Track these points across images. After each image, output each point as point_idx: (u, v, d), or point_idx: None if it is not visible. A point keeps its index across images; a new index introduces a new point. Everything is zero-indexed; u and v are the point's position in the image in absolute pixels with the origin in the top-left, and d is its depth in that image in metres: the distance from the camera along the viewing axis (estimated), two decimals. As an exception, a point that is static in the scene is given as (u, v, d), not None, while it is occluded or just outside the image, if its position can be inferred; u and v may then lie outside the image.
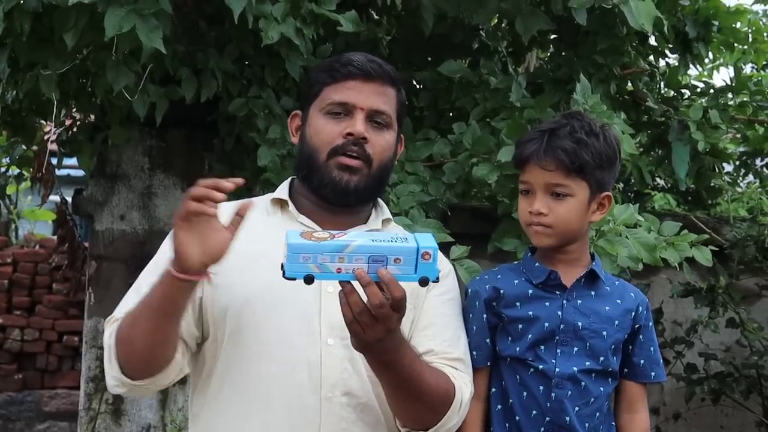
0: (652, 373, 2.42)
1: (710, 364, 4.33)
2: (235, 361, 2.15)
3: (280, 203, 2.32)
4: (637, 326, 2.40)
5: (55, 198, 5.28)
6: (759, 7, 6.03)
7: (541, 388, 2.31)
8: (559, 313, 2.33)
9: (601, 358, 2.33)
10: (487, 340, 2.35)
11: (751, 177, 5.54)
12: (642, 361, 2.41)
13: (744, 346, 4.33)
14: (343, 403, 2.15)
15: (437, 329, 2.25)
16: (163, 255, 2.19)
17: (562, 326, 2.32)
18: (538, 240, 2.35)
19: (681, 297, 4.17)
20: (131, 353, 2.08)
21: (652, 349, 2.42)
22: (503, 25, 4.56)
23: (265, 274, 2.08)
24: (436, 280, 1.86)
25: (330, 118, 2.23)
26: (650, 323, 2.44)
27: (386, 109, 2.26)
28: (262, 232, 2.18)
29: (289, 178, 2.40)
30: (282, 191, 2.34)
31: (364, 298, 1.82)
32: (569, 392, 2.30)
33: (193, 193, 1.87)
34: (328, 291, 2.14)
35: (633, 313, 2.39)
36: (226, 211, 2.08)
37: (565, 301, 2.34)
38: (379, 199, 2.41)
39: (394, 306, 1.83)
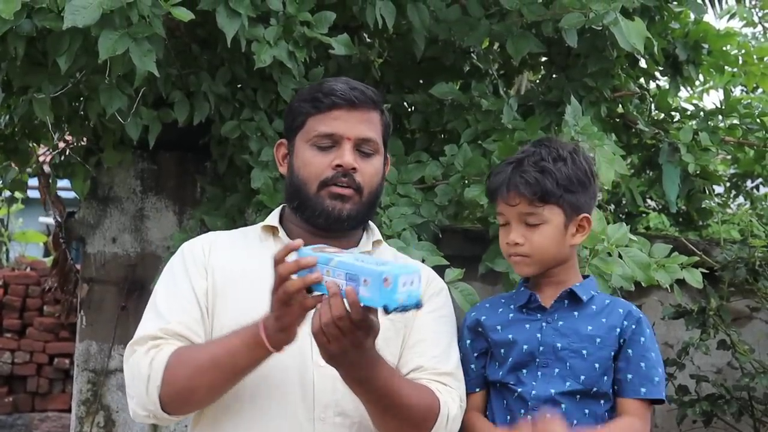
0: (642, 390, 2.32)
1: (701, 386, 4.32)
2: None
3: (272, 230, 2.34)
4: (622, 341, 2.35)
5: (46, 220, 5.28)
6: (749, 30, 6.08)
7: (522, 411, 2.30)
8: (538, 335, 2.34)
9: (582, 377, 2.30)
10: (473, 366, 2.37)
11: (741, 199, 5.57)
12: (629, 376, 2.33)
13: (735, 368, 4.32)
14: (336, 423, 2.16)
15: (426, 346, 2.26)
16: (182, 274, 2.24)
17: (541, 348, 2.32)
18: (519, 270, 2.39)
19: (672, 319, 4.17)
20: (189, 400, 2.08)
21: (643, 365, 2.34)
22: (494, 47, 4.57)
23: (258, 299, 2.09)
24: (400, 309, 1.81)
25: (317, 150, 2.25)
26: (642, 338, 2.37)
27: (372, 136, 2.28)
28: (256, 258, 2.19)
29: (280, 206, 2.42)
30: (273, 218, 2.36)
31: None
32: (548, 415, 2.26)
33: (284, 271, 1.88)
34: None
35: (618, 329, 2.35)
36: (218, 239, 2.17)
37: (544, 323, 2.34)
38: (370, 222, 2.42)
39: (356, 323, 1.83)
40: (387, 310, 1.78)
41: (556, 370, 2.31)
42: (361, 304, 1.79)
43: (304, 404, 2.14)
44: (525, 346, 2.32)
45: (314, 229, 2.27)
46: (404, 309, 1.80)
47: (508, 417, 2.33)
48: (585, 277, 2.48)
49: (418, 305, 1.82)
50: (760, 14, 6.51)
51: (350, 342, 1.86)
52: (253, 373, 2.12)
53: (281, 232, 2.31)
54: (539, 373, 2.31)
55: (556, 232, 2.34)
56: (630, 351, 2.35)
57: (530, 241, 2.33)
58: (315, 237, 2.26)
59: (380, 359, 2.01)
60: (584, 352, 2.32)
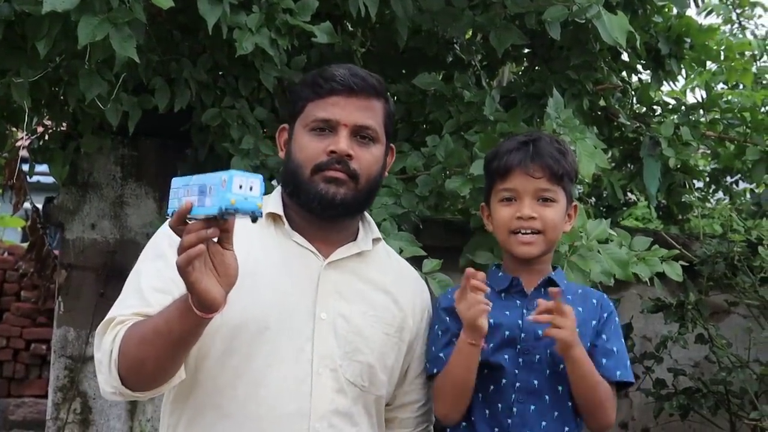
0: (618, 372, 2.32)
1: (679, 379, 4.34)
2: (222, 383, 2.11)
3: (273, 217, 2.26)
4: (597, 330, 2.36)
5: (26, 205, 5.24)
6: (726, 27, 6.10)
7: (500, 405, 2.29)
8: (519, 321, 2.32)
9: (561, 366, 2.27)
10: (434, 349, 2.33)
11: (721, 194, 5.59)
12: (604, 360, 2.32)
13: (712, 362, 4.35)
14: None
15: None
16: (163, 250, 2.14)
17: (523, 335, 2.30)
18: (526, 249, 2.34)
19: (651, 312, 4.19)
20: (140, 372, 2.00)
21: (616, 349, 2.35)
22: (477, 38, 4.57)
23: (260, 296, 2.06)
24: (232, 211, 1.71)
25: (314, 134, 2.21)
26: (613, 325, 2.38)
27: (371, 123, 2.24)
28: (259, 249, 2.15)
29: (278, 190, 2.34)
30: (276, 206, 2.27)
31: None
32: (532, 407, 2.28)
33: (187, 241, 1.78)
34: (321, 318, 2.14)
35: (594, 321, 2.36)
36: None
37: (525, 310, 2.32)
38: (368, 216, 2.39)
39: None
40: (221, 214, 1.71)
41: (537, 357, 2.30)
42: (202, 216, 1.74)
43: (299, 413, 2.10)
44: (507, 332, 2.30)
45: (311, 216, 2.23)
46: (238, 212, 1.72)
47: (487, 411, 2.30)
48: (554, 268, 2.48)
49: (254, 213, 1.73)
50: (738, 11, 6.55)
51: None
52: (249, 376, 2.09)
53: (286, 225, 2.25)
54: (520, 360, 2.29)
55: (562, 214, 2.37)
56: (604, 336, 2.36)
57: (543, 217, 2.32)
58: (313, 226, 2.23)
59: None
60: None
